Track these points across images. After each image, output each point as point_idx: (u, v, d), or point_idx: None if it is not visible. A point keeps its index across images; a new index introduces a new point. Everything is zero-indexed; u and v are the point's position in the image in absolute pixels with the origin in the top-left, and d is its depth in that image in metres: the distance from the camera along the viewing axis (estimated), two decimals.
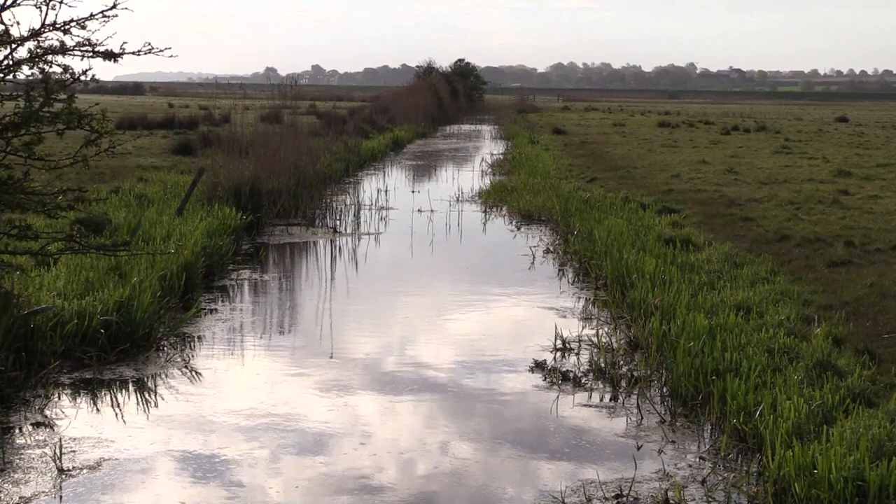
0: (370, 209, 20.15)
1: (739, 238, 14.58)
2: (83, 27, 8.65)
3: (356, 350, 9.99)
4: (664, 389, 8.59)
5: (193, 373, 9.00)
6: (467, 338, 10.52)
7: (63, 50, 8.62)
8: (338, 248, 16.15)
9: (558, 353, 9.70)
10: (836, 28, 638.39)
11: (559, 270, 14.19)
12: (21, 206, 8.83)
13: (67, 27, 8.61)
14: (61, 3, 8.62)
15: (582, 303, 12.07)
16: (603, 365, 9.09)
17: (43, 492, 6.36)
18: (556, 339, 10.00)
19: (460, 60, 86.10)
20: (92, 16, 8.70)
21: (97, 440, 7.27)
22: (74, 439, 7.24)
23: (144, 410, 8.03)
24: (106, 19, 8.78)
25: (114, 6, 8.85)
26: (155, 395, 8.38)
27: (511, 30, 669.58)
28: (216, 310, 11.41)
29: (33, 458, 6.87)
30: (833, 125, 51.72)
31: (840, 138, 39.33)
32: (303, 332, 10.76)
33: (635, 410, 8.07)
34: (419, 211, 20.20)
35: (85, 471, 6.69)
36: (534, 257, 15.03)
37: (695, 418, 7.91)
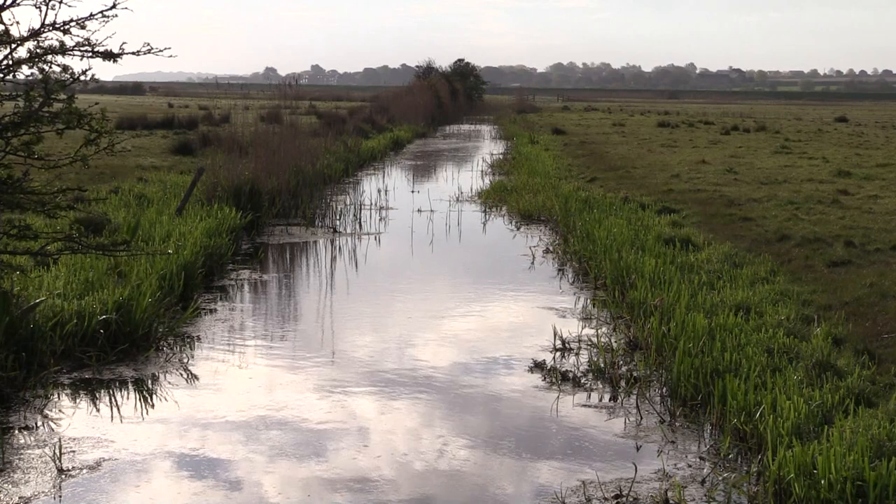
0: (370, 209, 20.16)
1: (739, 238, 14.57)
2: (83, 27, 8.63)
3: (356, 350, 9.99)
4: (664, 389, 8.59)
5: (192, 373, 8.99)
6: (467, 338, 10.52)
7: (63, 50, 8.61)
8: (338, 248, 16.14)
9: (558, 354, 9.69)
10: (836, 28, 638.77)
11: (559, 270, 14.19)
12: (21, 206, 8.82)
13: (67, 27, 8.60)
14: (61, 3, 8.60)
15: (581, 303, 12.06)
16: (602, 365, 9.09)
17: (42, 492, 6.36)
18: (555, 339, 10.00)
19: (460, 60, 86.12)
20: (92, 16, 8.68)
21: (97, 440, 7.27)
22: (74, 439, 7.24)
23: (144, 410, 8.03)
24: (106, 19, 8.76)
25: (113, 6, 8.84)
26: (154, 396, 8.38)
27: (511, 30, 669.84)
28: (215, 310, 11.41)
29: (33, 458, 6.87)
30: (833, 125, 51.72)
31: (840, 138, 39.33)
32: (302, 332, 10.76)
33: (635, 411, 8.07)
34: (419, 211, 20.19)
35: (84, 471, 6.69)
36: (533, 257, 15.03)
37: (694, 418, 7.91)
